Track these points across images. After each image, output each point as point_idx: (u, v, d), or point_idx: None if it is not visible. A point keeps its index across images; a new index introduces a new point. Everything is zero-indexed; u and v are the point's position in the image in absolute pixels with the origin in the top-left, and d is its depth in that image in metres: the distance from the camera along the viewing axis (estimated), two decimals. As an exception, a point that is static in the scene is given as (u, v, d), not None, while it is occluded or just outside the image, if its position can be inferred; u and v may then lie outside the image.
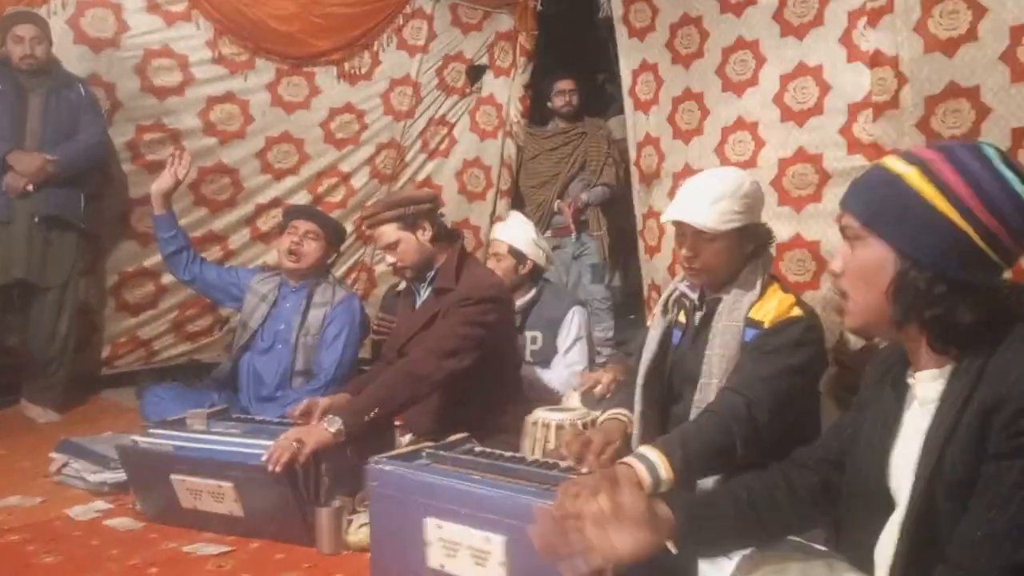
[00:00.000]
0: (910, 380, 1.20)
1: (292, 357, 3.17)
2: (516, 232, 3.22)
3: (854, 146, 3.21)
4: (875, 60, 3.06)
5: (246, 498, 2.20)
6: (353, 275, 4.53)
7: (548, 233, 4.39)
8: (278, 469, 2.09)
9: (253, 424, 2.52)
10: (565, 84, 4.47)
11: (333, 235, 3.27)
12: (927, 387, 1.16)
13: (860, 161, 3.11)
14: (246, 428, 2.45)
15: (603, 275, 4.46)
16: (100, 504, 2.48)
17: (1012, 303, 1.10)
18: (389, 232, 2.61)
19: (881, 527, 1.19)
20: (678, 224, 1.98)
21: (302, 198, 4.29)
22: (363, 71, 4.31)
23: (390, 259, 2.66)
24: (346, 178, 4.40)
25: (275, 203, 4.22)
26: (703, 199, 1.93)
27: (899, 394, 1.22)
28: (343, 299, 3.22)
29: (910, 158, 1.15)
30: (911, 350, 1.18)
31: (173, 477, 2.25)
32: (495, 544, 1.67)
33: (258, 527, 2.23)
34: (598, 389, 2.70)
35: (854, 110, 3.24)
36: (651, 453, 1.66)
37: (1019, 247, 1.10)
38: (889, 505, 1.18)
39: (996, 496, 0.99)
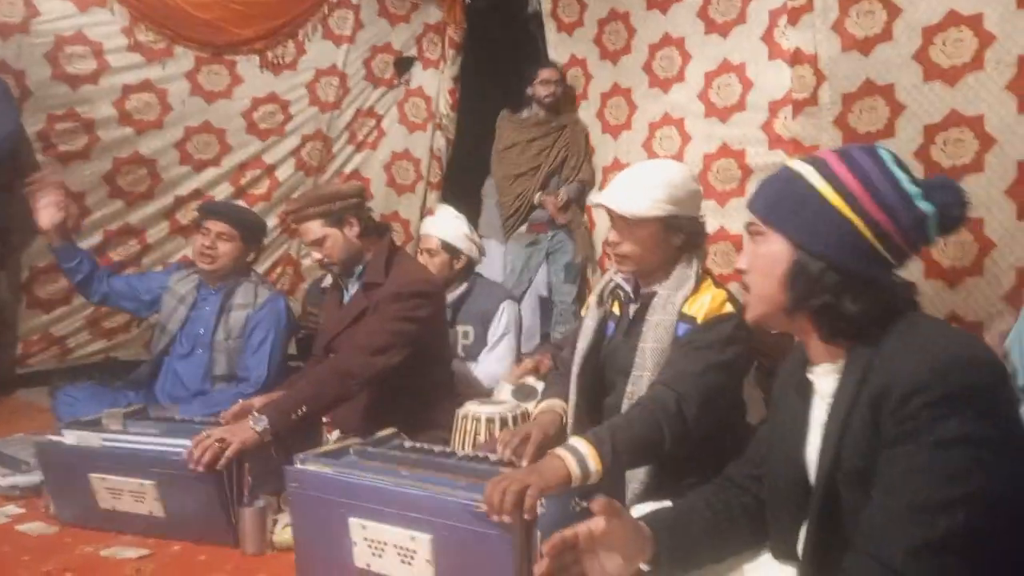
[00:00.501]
0: (810, 376, 1.25)
1: (212, 361, 3.07)
2: (448, 226, 3.18)
3: (775, 142, 3.30)
4: (795, 58, 3.15)
5: (168, 498, 2.12)
6: (278, 269, 4.43)
7: (523, 228, 4.26)
8: (200, 469, 2.02)
9: (173, 424, 2.44)
10: (550, 74, 4.16)
11: (249, 234, 3.14)
12: (823, 381, 1.22)
13: (781, 156, 3.20)
14: (165, 428, 2.36)
15: (576, 275, 4.27)
16: (11, 508, 2.35)
17: (897, 298, 1.15)
18: (315, 228, 2.55)
19: (802, 523, 1.22)
20: (608, 211, 2.00)
21: (224, 190, 4.18)
22: (287, 60, 4.21)
23: (316, 255, 2.61)
24: (270, 170, 4.29)
25: (195, 195, 4.09)
26: (628, 186, 1.95)
27: (803, 391, 1.27)
28: (267, 300, 3.12)
29: (809, 159, 1.21)
30: (807, 344, 1.24)
31: (92, 476, 2.16)
32: (421, 542, 1.65)
33: (180, 528, 2.15)
34: (541, 370, 2.70)
35: (775, 107, 3.33)
36: (580, 445, 1.67)
37: (909, 246, 1.16)
38: (807, 501, 1.22)
39: (892, 482, 1.04)
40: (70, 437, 2.24)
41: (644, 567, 1.30)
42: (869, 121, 2.98)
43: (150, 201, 4.02)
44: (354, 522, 1.75)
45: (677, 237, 1.98)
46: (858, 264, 1.14)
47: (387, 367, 2.39)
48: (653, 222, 1.94)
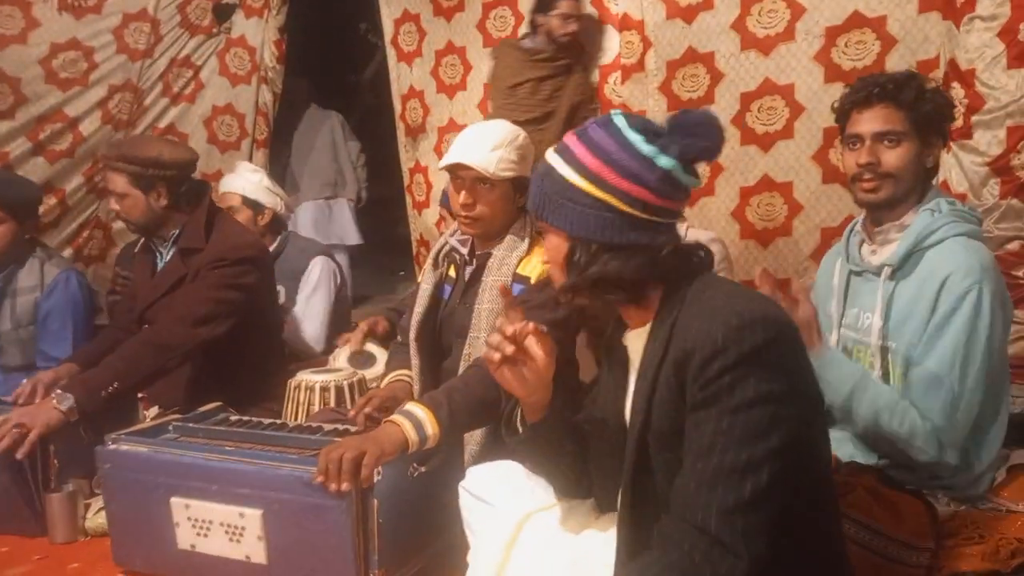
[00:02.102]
0: (624, 341, 1.30)
1: (2, 353, 2.74)
2: (245, 180, 3.02)
3: (606, 106, 3.38)
4: (624, 23, 3.23)
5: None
6: (86, 233, 4.07)
7: None
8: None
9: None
10: (571, 7, 3.35)
11: (21, 211, 2.71)
12: (634, 346, 1.28)
13: (611, 120, 3.27)
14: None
15: None
16: None
17: (683, 257, 1.22)
18: (119, 183, 2.35)
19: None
20: (455, 172, 1.97)
21: (20, 146, 3.79)
22: (90, 3, 3.84)
23: (113, 207, 2.41)
24: (73, 124, 3.92)
25: (-13, 150, 3.68)
26: (482, 145, 1.93)
27: (621, 354, 1.32)
28: (56, 281, 2.77)
29: (559, 147, 1.25)
30: (623, 312, 1.29)
31: None
32: (251, 519, 1.58)
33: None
34: (378, 332, 2.64)
35: (605, 72, 3.41)
36: (417, 410, 1.65)
37: (670, 200, 1.20)
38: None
39: (700, 446, 1.08)
40: None
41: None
42: (691, 88, 3.11)
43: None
44: (176, 502, 1.65)
45: (520, 198, 2.00)
46: (626, 236, 1.18)
47: (210, 338, 2.25)
48: (507, 183, 1.94)
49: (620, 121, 1.20)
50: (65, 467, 1.99)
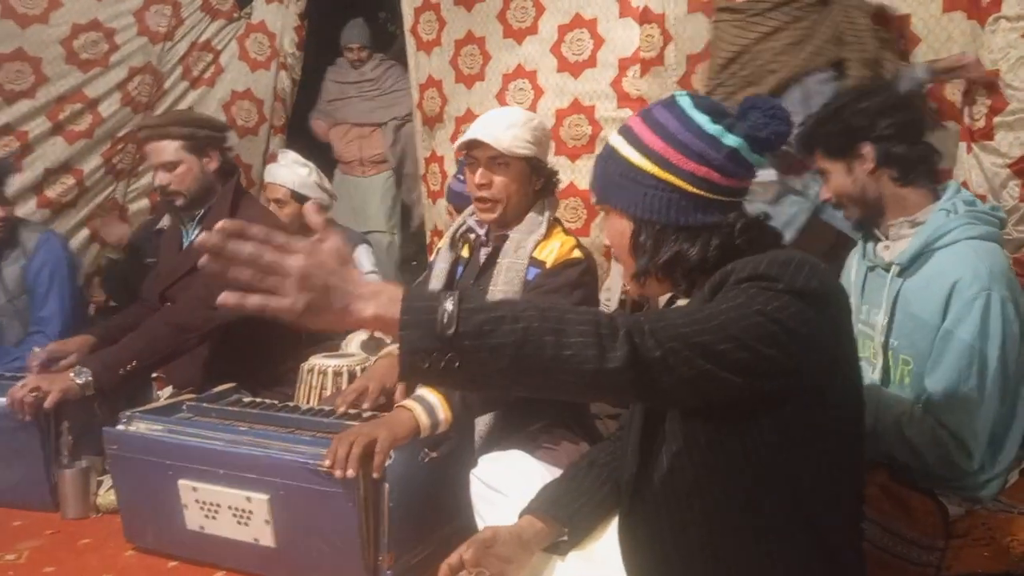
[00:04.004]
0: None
1: (2, 329, 2.74)
2: (295, 174, 3.05)
3: (624, 99, 3.36)
4: (644, 17, 3.21)
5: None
6: (102, 216, 4.09)
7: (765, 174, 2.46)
8: (26, 419, 1.90)
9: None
10: None
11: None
12: None
13: (629, 114, 3.26)
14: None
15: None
16: None
17: (753, 233, 1.19)
18: (170, 150, 2.34)
19: None
20: (470, 152, 1.97)
21: (40, 125, 3.79)
22: (112, -16, 3.84)
23: (163, 179, 2.40)
24: (93, 105, 3.92)
25: (5, 130, 3.70)
26: (496, 124, 1.94)
27: None
28: (39, 242, 2.77)
29: (622, 128, 1.24)
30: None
31: None
32: (258, 503, 1.59)
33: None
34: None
35: (624, 65, 3.39)
36: (429, 394, 1.66)
37: (736, 179, 1.19)
38: None
39: (690, 310, 1.05)
40: None
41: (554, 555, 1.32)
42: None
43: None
44: (184, 484, 1.66)
45: (537, 181, 2.01)
46: (693, 216, 1.17)
47: (228, 319, 2.26)
48: (521, 161, 1.95)
49: (685, 101, 1.19)
50: (78, 444, 2.01)
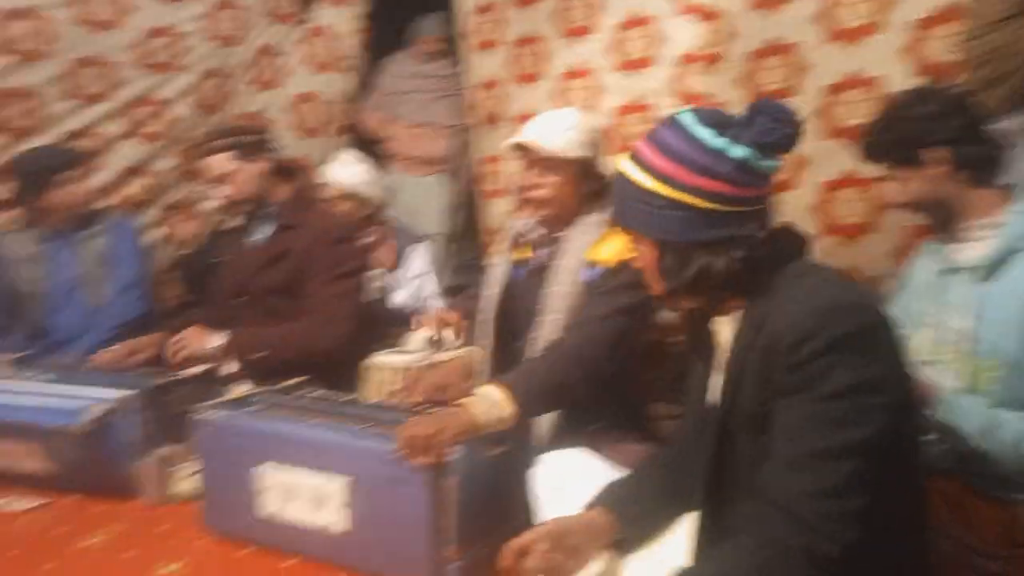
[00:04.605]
0: (712, 326, 1.31)
1: (92, 296, 2.94)
2: (351, 173, 3.12)
3: (684, 98, 3.34)
4: (704, 14, 3.18)
5: (56, 457, 2.06)
6: (175, 214, 4.23)
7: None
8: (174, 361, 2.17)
9: (65, 370, 2.33)
10: None
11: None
12: (722, 331, 1.28)
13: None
14: (57, 375, 2.26)
15: None
16: None
17: (776, 243, 1.20)
18: (222, 163, 2.45)
19: None
20: (520, 152, 2.00)
21: (116, 127, 3.95)
22: (183, -10, 3.97)
23: (224, 192, 2.49)
24: (165, 107, 4.06)
25: (84, 131, 3.86)
26: (547, 126, 1.96)
27: (707, 339, 1.33)
28: (112, 223, 3.04)
29: (631, 154, 1.26)
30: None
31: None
32: (334, 488, 1.64)
33: (74, 482, 2.08)
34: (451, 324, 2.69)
35: (685, 62, 3.37)
36: (492, 391, 1.68)
37: (749, 188, 1.19)
38: None
39: (790, 431, 1.09)
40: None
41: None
42: (772, 79, 3.05)
43: (36, 136, 3.73)
44: (262, 470, 1.72)
45: (588, 183, 2.01)
46: (711, 231, 1.19)
47: (350, 335, 2.42)
48: (570, 163, 1.96)
49: (686, 118, 1.21)
50: (158, 433, 2.09)
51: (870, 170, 2.88)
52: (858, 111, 2.85)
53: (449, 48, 4.39)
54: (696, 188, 1.17)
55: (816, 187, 3.02)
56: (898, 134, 1.71)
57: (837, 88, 2.91)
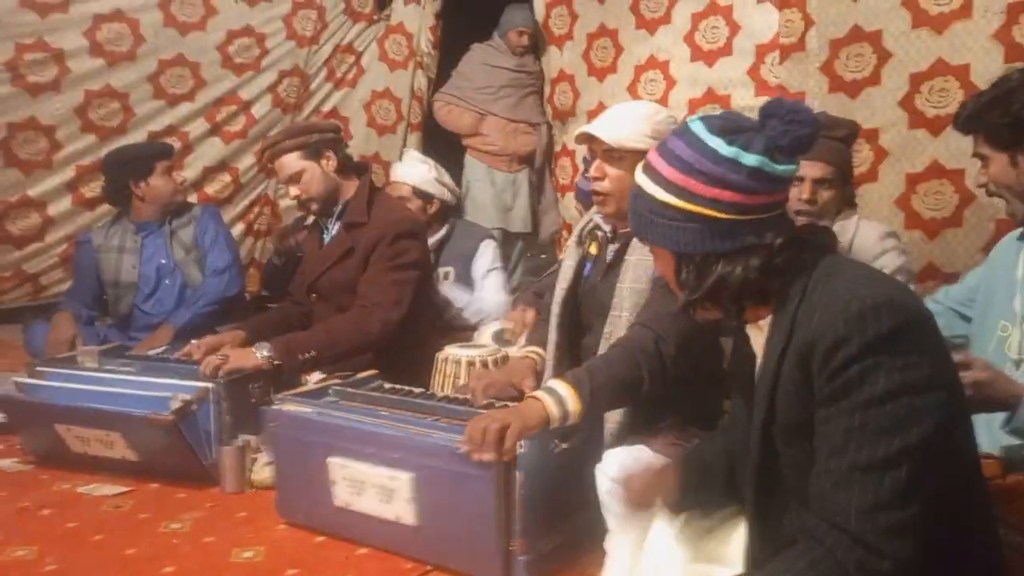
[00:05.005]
0: (748, 332, 1.27)
1: (186, 279, 3.09)
2: (416, 172, 3.16)
3: (761, 87, 3.26)
4: (783, 2, 3.10)
5: (137, 445, 2.13)
6: (256, 209, 4.37)
7: None
8: (207, 373, 2.16)
9: (148, 362, 2.43)
10: None
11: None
12: (756, 339, 1.24)
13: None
14: (141, 366, 2.35)
15: None
16: (-15, 446, 2.36)
17: (799, 247, 1.16)
18: (291, 162, 2.51)
19: None
20: (590, 147, 1.98)
21: (199, 127, 4.10)
22: (262, -9, 4.09)
23: (294, 191, 2.56)
24: (246, 106, 4.20)
25: (169, 131, 4.01)
26: (613, 120, 1.93)
27: (747, 346, 1.29)
28: (203, 211, 3.21)
29: (643, 165, 1.23)
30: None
31: (58, 426, 2.16)
32: (401, 482, 1.66)
33: (155, 470, 2.17)
34: (526, 323, 2.69)
35: (762, 51, 3.29)
36: (559, 386, 1.67)
37: (764, 194, 1.15)
38: None
39: (833, 443, 1.04)
40: (27, 387, 2.27)
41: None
42: (855, 68, 2.95)
43: (123, 136, 3.91)
44: (334, 462, 1.75)
45: None
46: (728, 241, 1.15)
47: (401, 318, 2.42)
48: (638, 155, 1.93)
49: (697, 127, 1.17)
50: (236, 424, 2.15)
51: (956, 161, 2.78)
52: (943, 100, 2.73)
53: (534, 42, 4.24)
54: (710, 199, 1.13)
55: (899, 179, 2.91)
56: (1006, 116, 1.61)
57: (922, 77, 2.79)
